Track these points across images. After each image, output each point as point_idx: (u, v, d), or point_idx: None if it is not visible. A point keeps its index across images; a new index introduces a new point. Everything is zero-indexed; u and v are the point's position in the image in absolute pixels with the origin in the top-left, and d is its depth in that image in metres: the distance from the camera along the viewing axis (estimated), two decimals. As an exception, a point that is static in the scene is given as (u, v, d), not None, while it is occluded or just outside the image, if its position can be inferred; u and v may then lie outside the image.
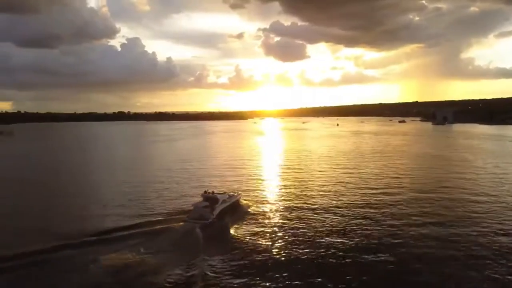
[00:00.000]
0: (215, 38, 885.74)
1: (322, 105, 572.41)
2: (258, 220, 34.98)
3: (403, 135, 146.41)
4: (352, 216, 35.32)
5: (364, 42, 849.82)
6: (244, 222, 34.32)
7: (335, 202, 40.39)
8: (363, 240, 29.05)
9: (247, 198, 42.48)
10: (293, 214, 36.64)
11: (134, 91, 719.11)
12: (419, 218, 34.16)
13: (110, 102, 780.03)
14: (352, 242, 28.52)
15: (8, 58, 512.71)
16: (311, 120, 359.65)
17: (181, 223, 32.92)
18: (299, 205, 39.84)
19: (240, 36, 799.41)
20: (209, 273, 23.56)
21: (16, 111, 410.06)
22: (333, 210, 37.50)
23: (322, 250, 27.20)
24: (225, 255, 26.52)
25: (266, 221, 34.68)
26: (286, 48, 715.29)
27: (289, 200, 42.15)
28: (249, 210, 38.40)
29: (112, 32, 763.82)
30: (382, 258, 25.65)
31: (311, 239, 29.50)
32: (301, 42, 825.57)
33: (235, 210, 37.48)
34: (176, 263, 24.79)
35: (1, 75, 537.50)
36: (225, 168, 65.59)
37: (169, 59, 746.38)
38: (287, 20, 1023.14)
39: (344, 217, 35.12)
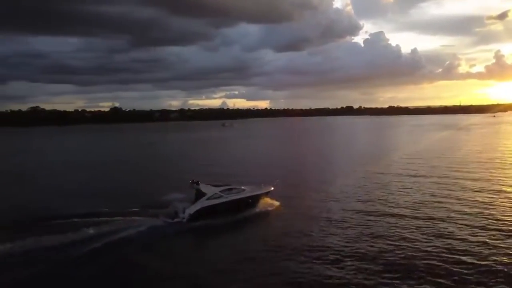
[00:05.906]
0: (469, 22, 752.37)
1: None
2: (271, 232, 26.22)
3: None
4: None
5: None
6: (236, 233, 26.23)
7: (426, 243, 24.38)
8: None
9: (289, 197, 34.08)
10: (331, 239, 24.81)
11: (376, 86, 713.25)
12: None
13: (351, 98, 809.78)
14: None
15: (267, 62, 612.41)
16: None
17: (142, 218, 27.69)
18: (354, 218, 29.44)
19: (502, 16, 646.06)
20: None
21: (271, 108, 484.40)
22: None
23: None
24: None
25: (274, 238, 24.69)
26: None
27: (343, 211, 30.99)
28: (270, 215, 29.50)
29: (355, 29, 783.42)
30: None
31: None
32: None
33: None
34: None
35: (262, 77, 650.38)
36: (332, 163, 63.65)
37: (413, 50, 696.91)
38: None
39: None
